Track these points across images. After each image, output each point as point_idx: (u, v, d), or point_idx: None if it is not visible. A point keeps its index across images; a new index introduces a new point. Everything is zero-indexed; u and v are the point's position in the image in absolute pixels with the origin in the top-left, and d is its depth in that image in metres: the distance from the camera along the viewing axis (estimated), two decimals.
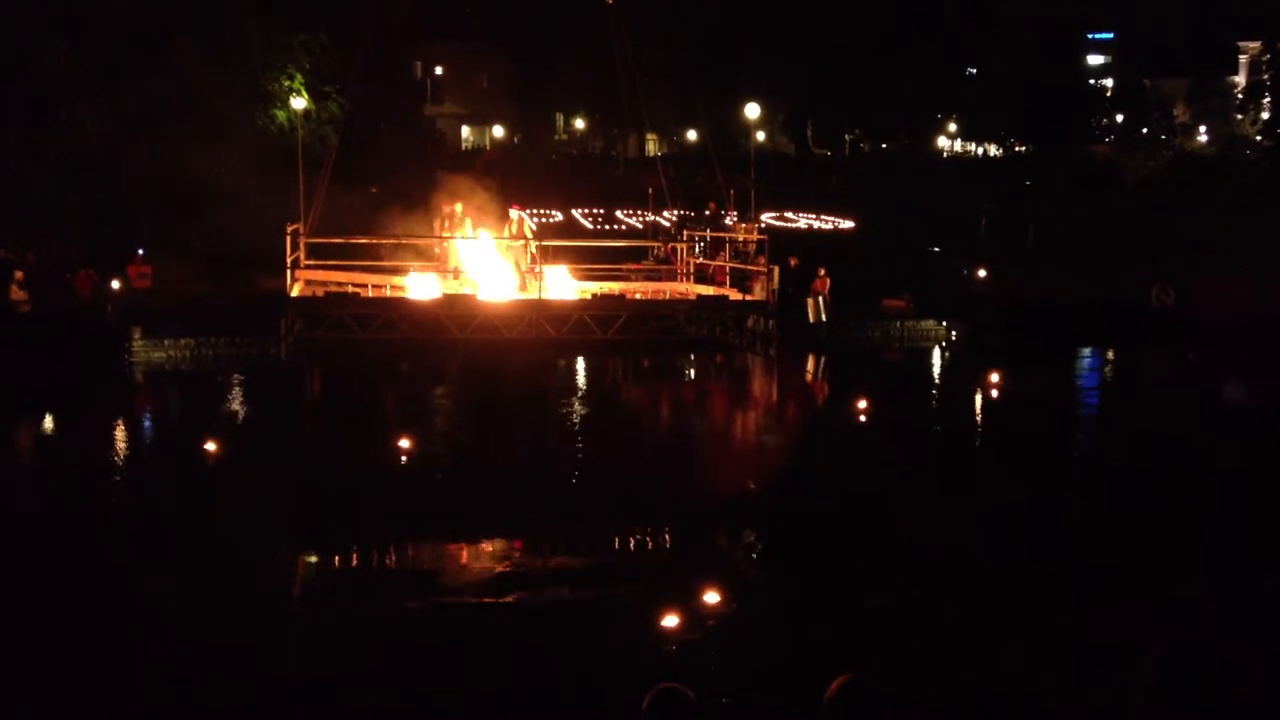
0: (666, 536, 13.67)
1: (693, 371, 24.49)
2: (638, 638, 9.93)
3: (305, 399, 21.34)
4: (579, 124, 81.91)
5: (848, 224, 49.77)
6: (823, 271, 27.10)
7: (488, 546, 12.95)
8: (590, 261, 22.25)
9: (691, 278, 21.54)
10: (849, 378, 23.34)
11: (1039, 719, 8.65)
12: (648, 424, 20.05)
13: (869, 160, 75.74)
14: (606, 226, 45.63)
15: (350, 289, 19.85)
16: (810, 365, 24.96)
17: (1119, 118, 76.05)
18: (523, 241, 20.79)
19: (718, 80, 59.11)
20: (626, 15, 22.05)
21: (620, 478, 15.55)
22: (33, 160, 29.21)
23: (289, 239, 19.01)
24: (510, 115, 74.68)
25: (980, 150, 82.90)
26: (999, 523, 12.95)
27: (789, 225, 47.39)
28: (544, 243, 21.28)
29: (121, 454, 17.50)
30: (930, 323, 27.58)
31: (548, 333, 18.73)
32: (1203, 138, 77.97)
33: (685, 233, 23.25)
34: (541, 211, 44.22)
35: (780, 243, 23.42)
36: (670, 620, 10.02)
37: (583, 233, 41.95)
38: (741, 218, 25.15)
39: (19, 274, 25.99)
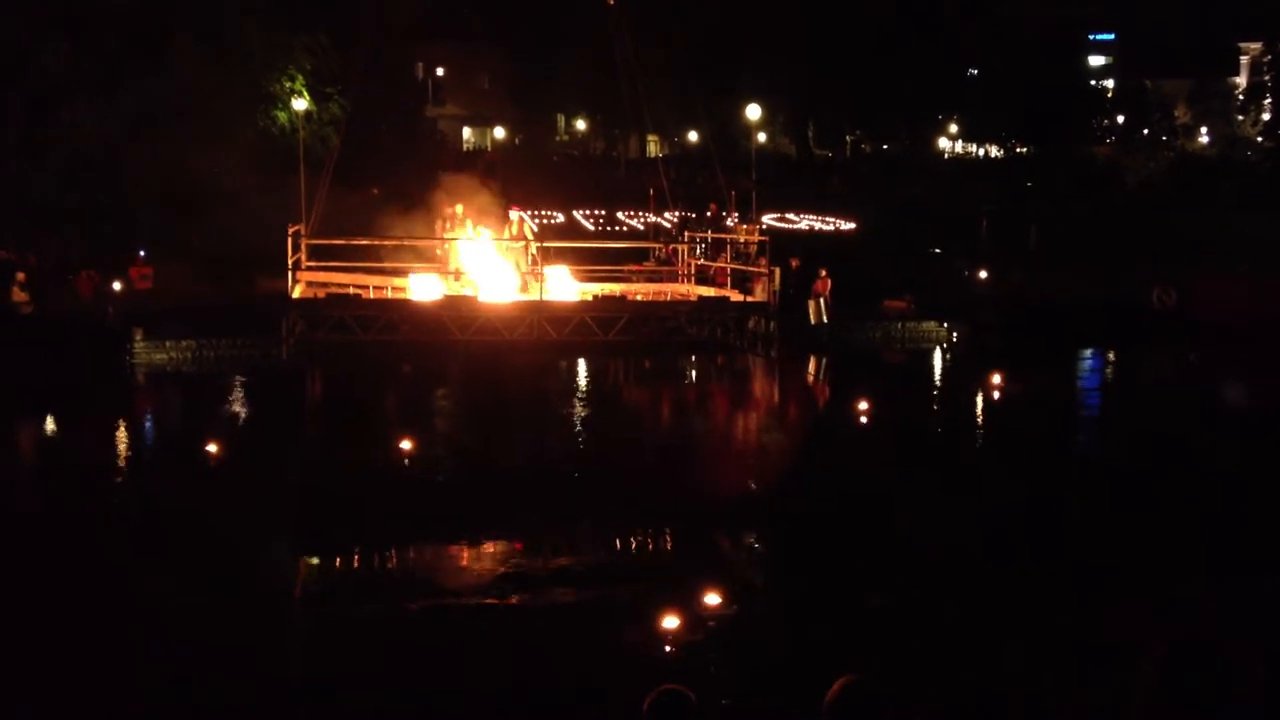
0: (667, 537, 13.66)
1: (694, 373, 24.50)
2: (638, 639, 9.93)
3: (306, 400, 21.34)
4: (580, 125, 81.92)
5: (849, 225, 49.68)
6: (824, 273, 27.11)
7: (489, 547, 12.96)
8: (591, 263, 22.24)
9: (692, 279, 21.55)
10: (850, 379, 23.33)
11: (1039, 719, 8.65)
12: (649, 425, 20.07)
13: (870, 161, 75.63)
14: (607, 228, 45.53)
15: (351, 290, 19.87)
16: (811, 366, 24.95)
17: (1120, 118, 75.90)
18: (524, 243, 20.81)
19: (718, 81, 59.03)
20: (627, 15, 22.07)
21: (621, 479, 15.56)
22: (33, 160, 29.19)
23: (290, 240, 19.02)
24: (511, 116, 74.70)
25: (981, 151, 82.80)
26: (999, 523, 12.96)
27: (790, 226, 47.32)
28: (545, 244, 21.28)
29: (123, 455, 17.53)
30: (931, 324, 27.56)
31: (549, 334, 18.73)
32: (1204, 139, 77.92)
33: (686, 234, 23.27)
34: (543, 213, 44.18)
35: (781, 244, 23.45)
36: (671, 621, 10.02)
37: (584, 234, 41.85)
38: (742, 219, 25.11)
39: (21, 275, 26.01)
